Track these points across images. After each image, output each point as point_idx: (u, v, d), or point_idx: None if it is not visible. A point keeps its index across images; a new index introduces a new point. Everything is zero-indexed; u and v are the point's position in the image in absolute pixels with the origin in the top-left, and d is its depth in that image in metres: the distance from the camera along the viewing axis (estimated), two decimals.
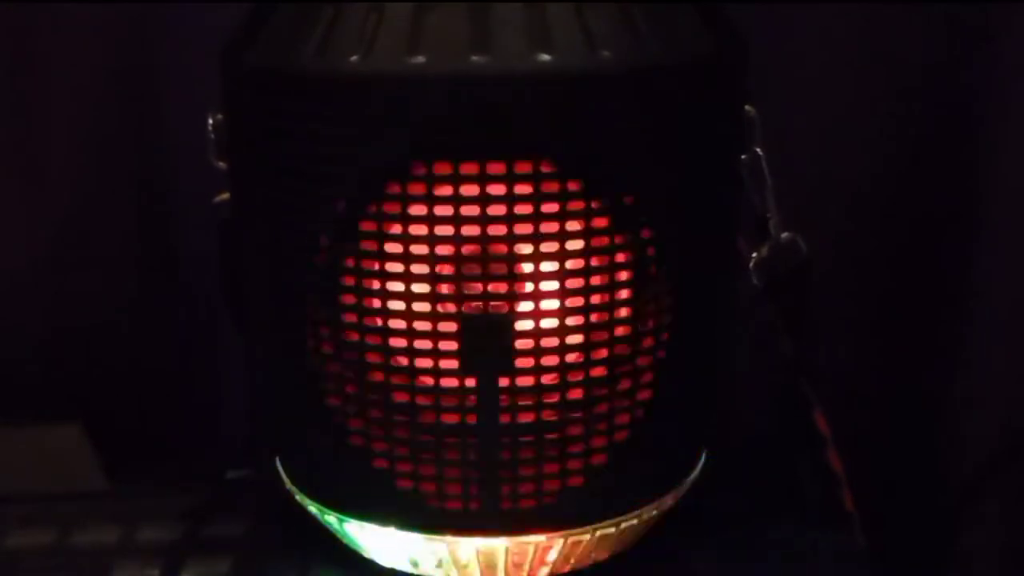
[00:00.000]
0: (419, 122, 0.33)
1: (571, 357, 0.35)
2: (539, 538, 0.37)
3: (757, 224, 0.42)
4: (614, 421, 0.37)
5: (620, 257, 0.35)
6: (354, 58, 0.33)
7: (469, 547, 0.37)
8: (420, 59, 0.33)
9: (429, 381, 0.35)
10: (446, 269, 0.34)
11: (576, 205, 0.34)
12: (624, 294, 0.36)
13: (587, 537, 0.38)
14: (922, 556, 0.59)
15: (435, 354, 0.35)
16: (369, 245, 0.34)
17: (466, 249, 0.34)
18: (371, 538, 0.38)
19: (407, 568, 0.39)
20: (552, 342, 0.35)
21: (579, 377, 0.36)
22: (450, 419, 0.35)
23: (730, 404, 0.42)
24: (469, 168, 0.33)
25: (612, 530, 0.38)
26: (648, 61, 0.34)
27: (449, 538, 0.37)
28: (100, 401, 0.59)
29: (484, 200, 0.33)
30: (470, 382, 0.35)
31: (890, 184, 0.58)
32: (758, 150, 0.40)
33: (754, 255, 0.42)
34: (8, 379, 0.59)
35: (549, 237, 0.34)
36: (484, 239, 0.34)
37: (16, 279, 0.60)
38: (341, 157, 0.34)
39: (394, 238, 0.34)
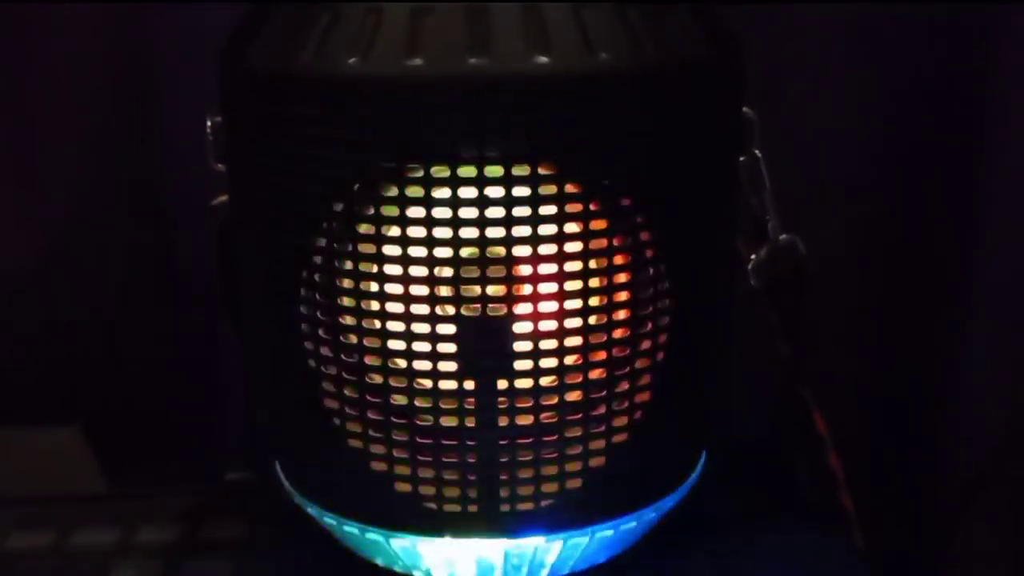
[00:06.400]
0: (417, 124, 0.33)
1: (569, 359, 0.35)
2: (537, 540, 0.37)
3: (755, 226, 0.42)
4: (613, 423, 0.36)
5: (618, 259, 0.35)
6: (352, 60, 0.33)
7: (467, 549, 0.37)
8: (418, 61, 0.33)
9: (427, 384, 0.35)
10: (444, 271, 0.34)
11: (574, 207, 0.34)
12: (622, 296, 0.36)
13: (585, 539, 0.38)
14: (921, 557, 0.59)
15: (433, 356, 0.35)
16: (367, 248, 0.34)
17: (464, 251, 0.34)
18: (369, 540, 0.38)
19: (405, 570, 0.39)
20: (551, 344, 0.35)
21: (577, 379, 0.35)
22: (448, 422, 0.35)
23: (729, 405, 0.42)
24: (467, 171, 0.33)
25: (610, 532, 0.38)
26: (646, 63, 0.34)
27: (447, 540, 0.37)
28: (99, 403, 0.59)
29: (482, 202, 0.33)
30: (468, 384, 0.35)
31: (889, 185, 0.58)
32: (756, 152, 0.40)
33: (752, 257, 0.42)
34: (7, 381, 0.59)
35: (547, 239, 0.34)
36: (482, 241, 0.34)
37: (14, 281, 0.59)
38: (339, 159, 0.34)
39: (392, 241, 0.34)
